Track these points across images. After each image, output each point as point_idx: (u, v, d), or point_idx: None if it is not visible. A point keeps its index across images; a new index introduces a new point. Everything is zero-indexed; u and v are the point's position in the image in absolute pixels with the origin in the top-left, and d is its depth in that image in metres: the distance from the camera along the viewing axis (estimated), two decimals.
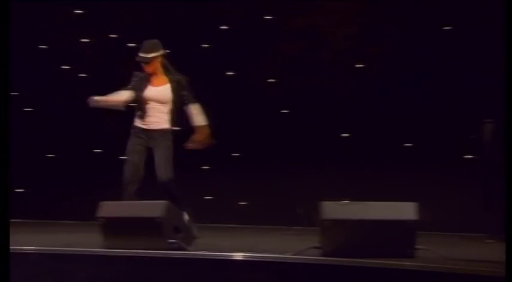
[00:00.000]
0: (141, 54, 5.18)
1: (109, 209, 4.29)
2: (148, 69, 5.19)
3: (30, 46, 7.75)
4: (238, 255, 3.90)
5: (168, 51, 5.38)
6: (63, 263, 4.04)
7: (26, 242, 4.80)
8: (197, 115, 5.24)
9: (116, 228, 4.17)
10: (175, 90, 5.18)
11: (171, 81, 5.20)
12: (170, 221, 4.06)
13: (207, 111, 7.24)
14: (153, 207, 4.09)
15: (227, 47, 7.22)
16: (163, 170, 5.03)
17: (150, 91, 5.19)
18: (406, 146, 6.46)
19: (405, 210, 3.84)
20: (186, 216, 4.94)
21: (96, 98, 5.13)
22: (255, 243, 5.13)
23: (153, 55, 5.18)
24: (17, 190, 7.85)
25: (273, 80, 7.11)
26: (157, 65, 5.20)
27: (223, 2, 7.21)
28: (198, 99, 5.31)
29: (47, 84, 7.83)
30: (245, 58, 7.18)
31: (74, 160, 7.62)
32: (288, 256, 3.77)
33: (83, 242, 4.82)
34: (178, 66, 7.24)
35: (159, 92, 5.19)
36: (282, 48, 7.10)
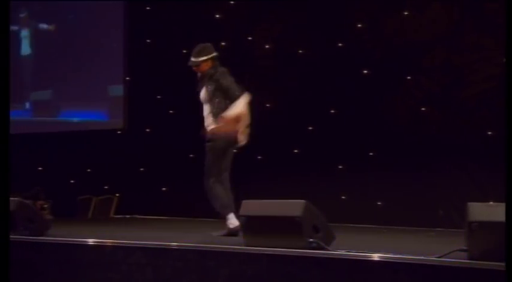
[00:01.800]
0: (191, 58, 5.25)
1: (250, 207, 4.35)
2: (198, 72, 5.27)
3: (175, 51, 8.07)
4: (376, 256, 3.80)
5: (216, 54, 5.31)
6: (208, 260, 4.15)
7: (171, 238, 5.01)
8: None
9: (256, 226, 4.22)
10: (211, 91, 5.17)
11: (207, 89, 5.20)
12: (309, 220, 4.04)
13: (343, 109, 7.21)
14: (293, 206, 4.09)
15: (363, 45, 7.12)
16: (205, 174, 5.18)
17: (201, 93, 5.28)
18: None
19: None
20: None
21: None
22: (394, 244, 4.99)
23: (201, 59, 5.21)
24: (163, 189, 8.26)
25: (409, 78, 6.91)
26: (205, 69, 5.23)
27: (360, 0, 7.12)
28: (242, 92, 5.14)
29: (186, 87, 8.15)
30: (381, 56, 7.03)
31: None
32: (432, 258, 3.62)
33: (224, 239, 4.94)
34: (316, 66, 7.21)
35: (203, 94, 5.26)
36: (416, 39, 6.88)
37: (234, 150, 5.34)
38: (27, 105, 9.39)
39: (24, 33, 9.40)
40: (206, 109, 5.25)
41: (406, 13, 6.88)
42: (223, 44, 7.91)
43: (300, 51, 7.42)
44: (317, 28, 7.35)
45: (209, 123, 5.23)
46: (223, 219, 5.29)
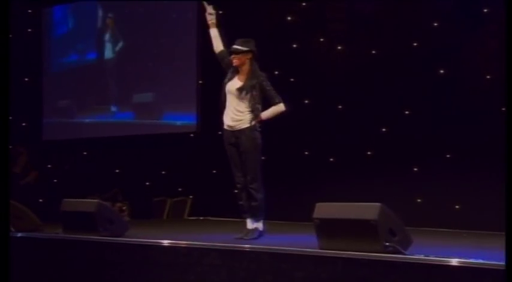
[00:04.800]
0: (236, 46, 5.20)
1: (324, 210, 4.35)
2: (236, 61, 5.20)
3: None
4: (455, 261, 3.72)
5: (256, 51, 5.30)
6: (282, 262, 4.17)
7: (246, 240, 5.06)
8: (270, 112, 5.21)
9: (330, 229, 4.21)
10: (250, 87, 5.12)
11: (248, 82, 5.14)
12: (385, 223, 4.00)
13: (418, 110, 7.07)
14: (368, 210, 4.05)
15: (438, 45, 6.96)
16: (252, 174, 5.18)
17: (231, 85, 5.21)
18: None
19: None
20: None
21: None
22: (474, 249, 4.87)
23: (245, 49, 5.17)
24: (235, 191, 8.33)
25: (488, 77, 6.70)
26: (245, 61, 5.19)
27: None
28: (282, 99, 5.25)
29: None
30: (458, 56, 6.85)
31: (285, 162, 7.85)
32: None
33: (298, 242, 4.94)
34: (390, 66, 7.05)
35: (237, 87, 5.17)
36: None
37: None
38: (113, 108, 9.50)
39: (108, 36, 9.62)
40: (237, 102, 5.20)
41: (485, 10, 6.68)
42: (294, 46, 7.92)
43: (373, 52, 7.33)
44: (391, 28, 7.24)
45: (240, 118, 5.21)
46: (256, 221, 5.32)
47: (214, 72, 8.85)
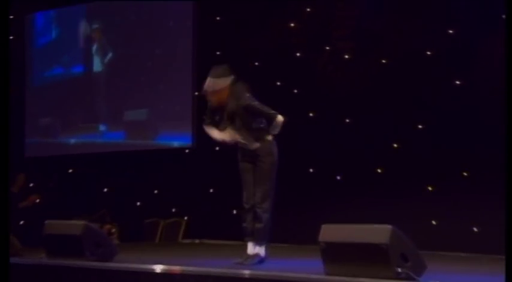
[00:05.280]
0: (214, 80, 5.17)
1: (330, 232, 4.32)
2: (215, 101, 5.22)
3: (245, 64, 8.17)
4: None
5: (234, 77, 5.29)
6: None
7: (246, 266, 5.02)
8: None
9: (337, 253, 4.18)
10: (231, 116, 5.18)
11: (229, 110, 5.18)
12: (397, 247, 3.97)
13: (432, 124, 7.06)
14: (378, 232, 4.03)
15: (454, 53, 6.97)
16: (264, 194, 5.21)
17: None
18: None
19: None
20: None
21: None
22: (493, 275, 4.83)
23: (222, 86, 5.17)
24: (234, 211, 8.31)
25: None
26: (225, 94, 5.19)
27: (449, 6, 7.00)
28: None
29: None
30: (476, 65, 6.86)
31: (288, 180, 7.82)
32: None
33: (302, 267, 4.91)
34: (401, 76, 7.04)
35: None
36: None
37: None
38: (102, 127, 9.45)
39: (95, 47, 9.59)
40: (236, 132, 5.25)
41: (504, 16, 6.69)
42: (298, 54, 7.95)
43: (384, 61, 7.35)
44: (402, 35, 7.25)
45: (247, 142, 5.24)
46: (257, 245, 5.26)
47: None
